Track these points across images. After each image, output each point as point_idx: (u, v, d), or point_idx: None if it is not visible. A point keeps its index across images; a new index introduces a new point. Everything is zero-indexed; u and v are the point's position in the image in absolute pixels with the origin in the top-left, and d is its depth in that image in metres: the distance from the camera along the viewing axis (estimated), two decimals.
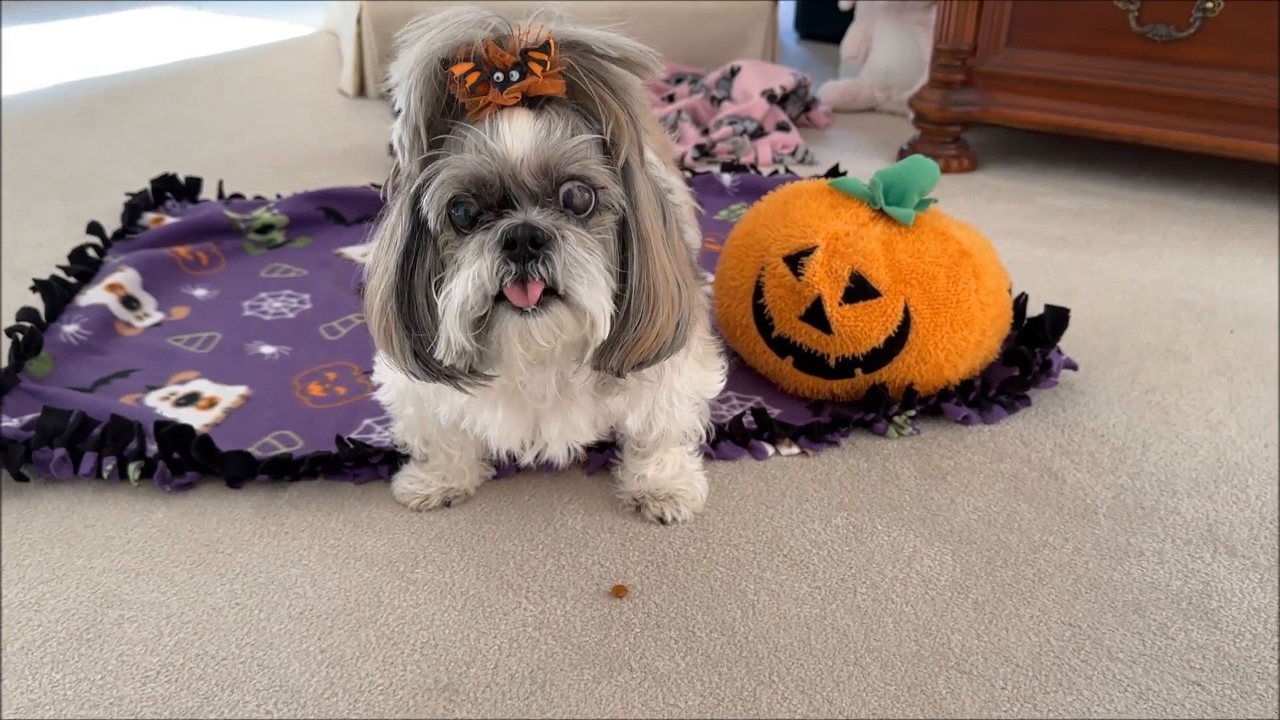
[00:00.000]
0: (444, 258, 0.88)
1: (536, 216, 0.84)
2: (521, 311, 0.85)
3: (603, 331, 0.87)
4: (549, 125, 0.85)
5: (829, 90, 2.86)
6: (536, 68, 0.83)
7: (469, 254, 0.85)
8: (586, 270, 0.85)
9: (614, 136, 0.88)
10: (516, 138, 0.84)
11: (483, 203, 0.86)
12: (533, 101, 0.85)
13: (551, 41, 0.83)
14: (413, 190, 0.88)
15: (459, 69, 0.82)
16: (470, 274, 0.84)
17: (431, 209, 0.86)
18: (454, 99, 0.85)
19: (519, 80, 0.83)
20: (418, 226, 0.89)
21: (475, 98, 0.83)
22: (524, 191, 0.85)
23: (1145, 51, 2.12)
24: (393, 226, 0.91)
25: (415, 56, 0.83)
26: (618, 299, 0.89)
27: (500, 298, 0.85)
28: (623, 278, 0.90)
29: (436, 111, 0.86)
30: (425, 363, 0.91)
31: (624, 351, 0.90)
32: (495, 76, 0.83)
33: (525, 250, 0.83)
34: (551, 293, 0.85)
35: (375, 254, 0.94)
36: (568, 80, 0.85)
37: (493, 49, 0.83)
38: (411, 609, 1.02)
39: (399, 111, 0.86)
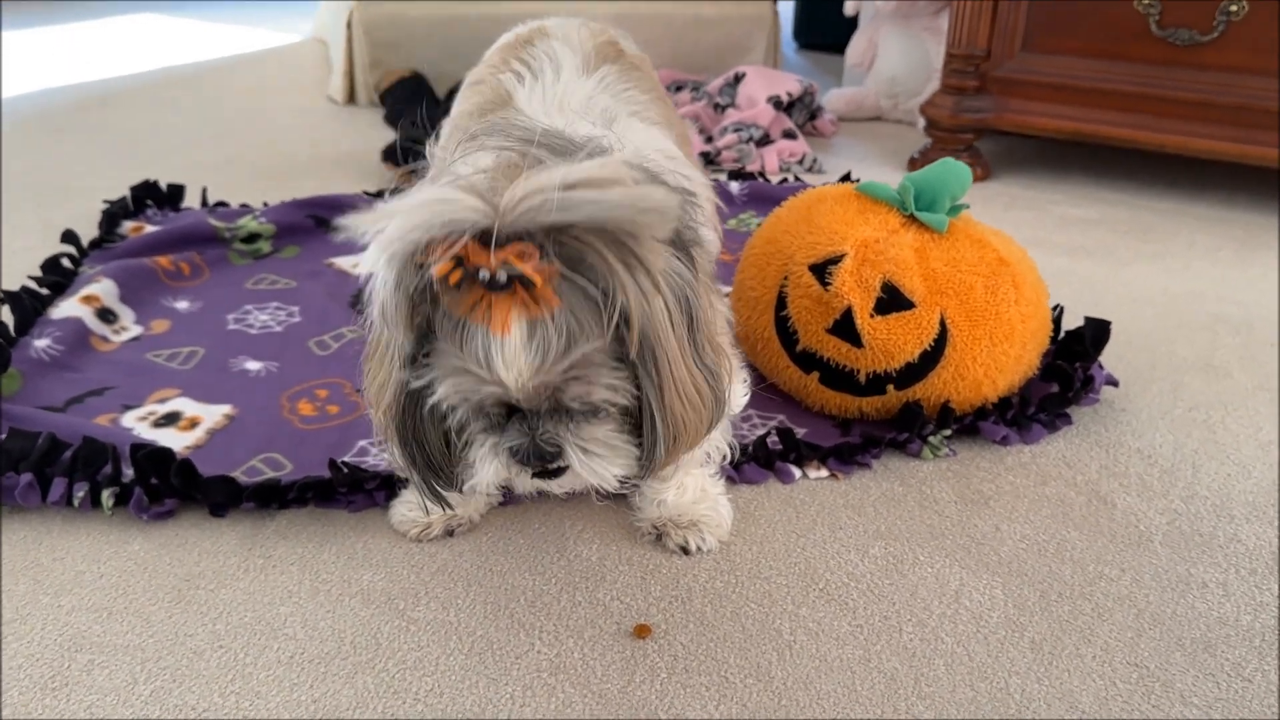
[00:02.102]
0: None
1: (542, 429, 0.81)
2: (540, 475, 0.85)
3: (615, 486, 0.87)
4: (544, 339, 0.74)
5: (834, 98, 2.78)
6: (526, 279, 0.72)
7: (481, 449, 0.84)
8: (597, 466, 0.84)
9: (622, 301, 0.75)
10: (510, 364, 0.75)
11: (488, 414, 0.82)
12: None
13: (538, 253, 0.72)
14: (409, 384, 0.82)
15: (440, 270, 0.71)
16: (490, 471, 0.84)
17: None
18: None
19: (506, 283, 0.71)
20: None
21: (459, 295, 0.73)
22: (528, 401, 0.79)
23: (1166, 56, 2.04)
24: (386, 343, 0.82)
25: (388, 250, 0.72)
26: (638, 450, 0.85)
27: None
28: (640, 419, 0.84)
29: (418, 294, 0.76)
30: (438, 494, 0.90)
31: (650, 469, 0.87)
32: (480, 275, 0.71)
33: (534, 463, 0.83)
34: None
35: (373, 356, 0.86)
36: (563, 254, 0.74)
37: (475, 251, 0.71)
38: (413, 652, 0.93)
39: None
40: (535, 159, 0.77)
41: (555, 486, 0.87)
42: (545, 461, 0.82)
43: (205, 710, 0.86)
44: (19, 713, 0.86)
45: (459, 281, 0.72)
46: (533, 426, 0.81)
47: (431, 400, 0.80)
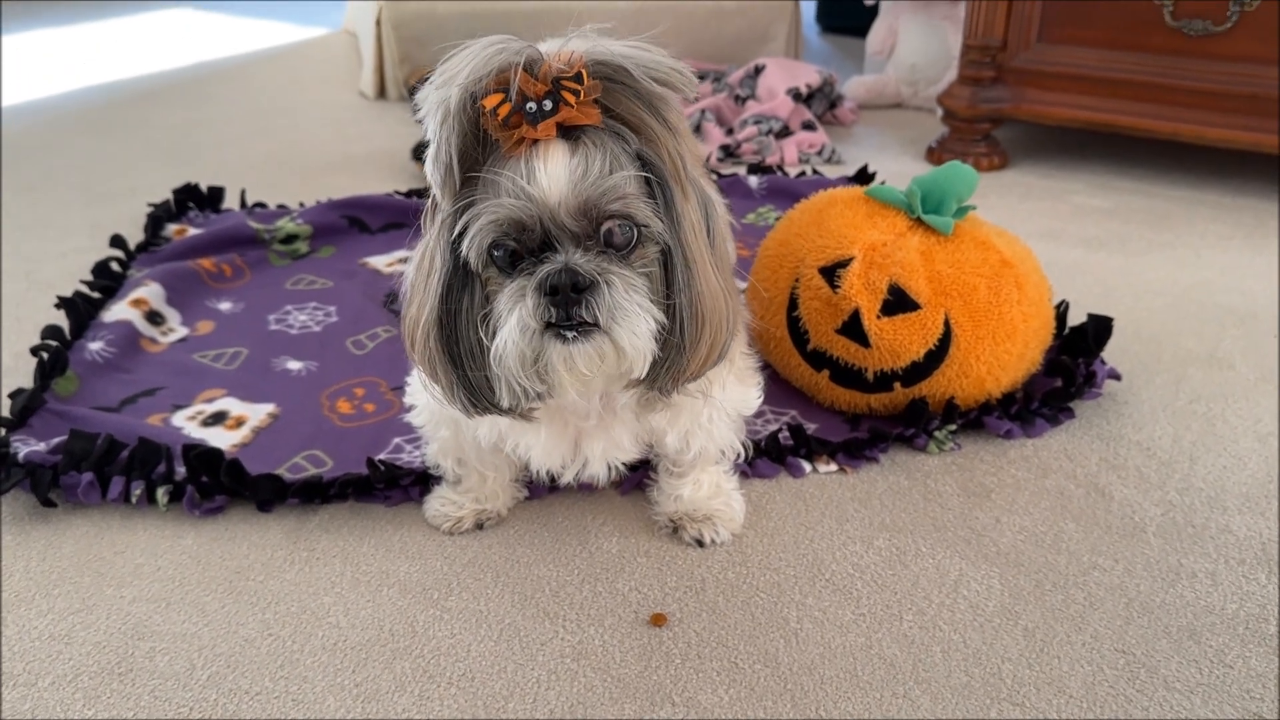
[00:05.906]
0: (489, 293, 0.87)
1: (578, 259, 0.83)
2: (564, 338, 0.84)
3: (640, 372, 0.87)
4: (586, 160, 0.82)
5: (854, 86, 2.82)
6: (570, 97, 0.80)
7: (512, 298, 0.84)
8: (629, 314, 0.84)
9: (653, 155, 0.85)
10: (553, 179, 0.81)
11: (523, 245, 0.84)
12: (568, 130, 0.82)
13: (584, 71, 0.80)
14: (451, 233, 0.85)
15: (490, 101, 0.80)
16: (515, 320, 0.83)
17: (472, 252, 0.84)
18: (486, 132, 0.82)
19: (552, 110, 0.80)
20: (458, 265, 0.86)
21: (509, 131, 0.81)
22: (565, 232, 0.83)
23: (1180, 46, 2.07)
24: (430, 253, 0.88)
25: (442, 93, 0.81)
26: (667, 321, 0.87)
27: (547, 326, 0.84)
28: (670, 300, 0.87)
29: (470, 145, 0.83)
30: (473, 399, 0.90)
31: (673, 373, 0.89)
32: (528, 107, 0.80)
33: (568, 296, 0.82)
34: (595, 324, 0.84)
35: (413, 278, 0.92)
36: (602, 103, 0.83)
37: (523, 79, 0.79)
38: (447, 639, 1.00)
39: (424, 146, 0.84)
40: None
41: (581, 356, 0.84)
42: (579, 289, 0.82)
43: (258, 693, 0.94)
44: (91, 695, 0.94)
45: (507, 116, 0.80)
46: (568, 256, 0.83)
47: (471, 232, 0.83)
